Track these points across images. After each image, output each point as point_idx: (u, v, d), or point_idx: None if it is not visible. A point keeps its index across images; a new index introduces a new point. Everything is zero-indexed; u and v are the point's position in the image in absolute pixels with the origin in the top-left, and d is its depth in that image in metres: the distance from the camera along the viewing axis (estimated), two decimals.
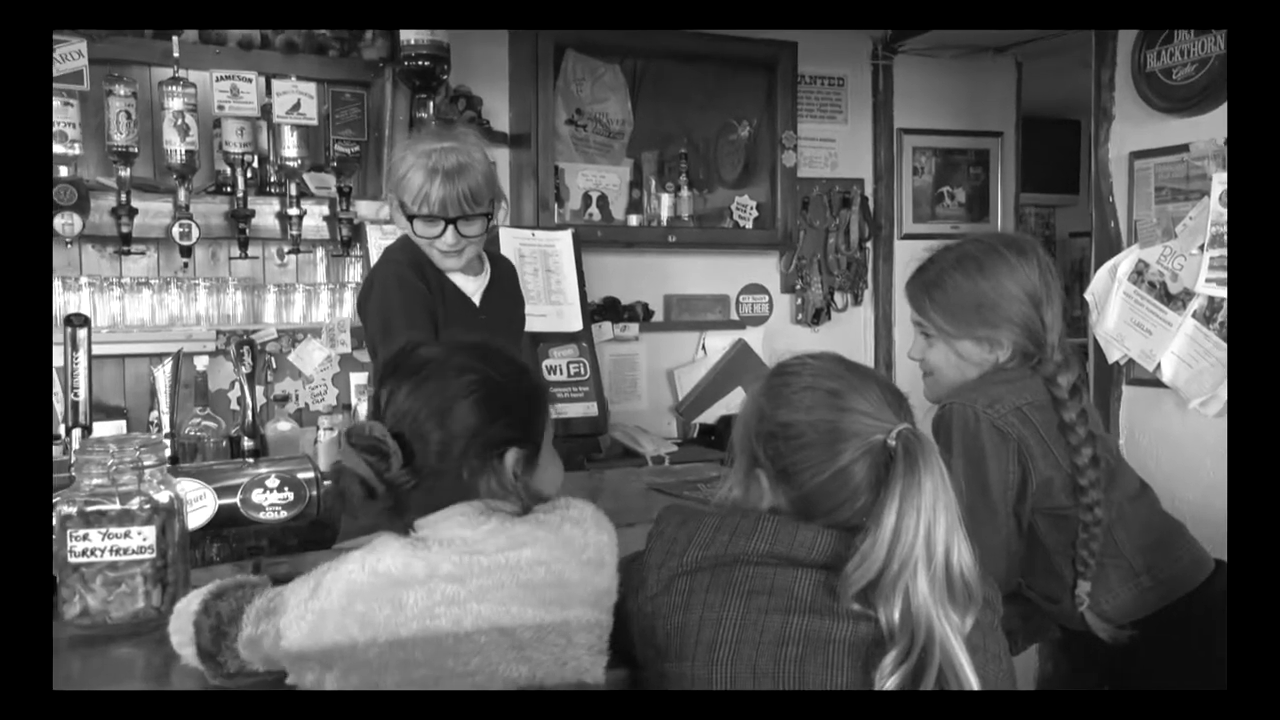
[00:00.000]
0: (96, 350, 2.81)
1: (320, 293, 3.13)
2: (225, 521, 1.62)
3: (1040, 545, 1.65)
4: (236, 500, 1.63)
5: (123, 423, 2.88)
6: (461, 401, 1.21)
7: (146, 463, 1.35)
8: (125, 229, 2.80)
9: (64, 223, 2.68)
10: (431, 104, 3.13)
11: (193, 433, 2.84)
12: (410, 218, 2.04)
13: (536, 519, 1.21)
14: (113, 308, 2.87)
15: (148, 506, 1.34)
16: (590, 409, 3.24)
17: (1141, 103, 2.99)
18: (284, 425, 2.90)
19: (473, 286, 2.19)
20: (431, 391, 1.21)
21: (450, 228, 2.04)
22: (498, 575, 1.15)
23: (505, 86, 3.54)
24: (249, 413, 2.23)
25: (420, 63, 3.04)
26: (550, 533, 1.20)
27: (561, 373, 3.22)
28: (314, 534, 1.83)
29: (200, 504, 1.60)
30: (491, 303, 2.22)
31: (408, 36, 3.00)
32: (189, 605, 1.23)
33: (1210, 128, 2.80)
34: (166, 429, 2.20)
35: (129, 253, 2.86)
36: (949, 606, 1.10)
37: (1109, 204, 3.12)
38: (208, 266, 3.08)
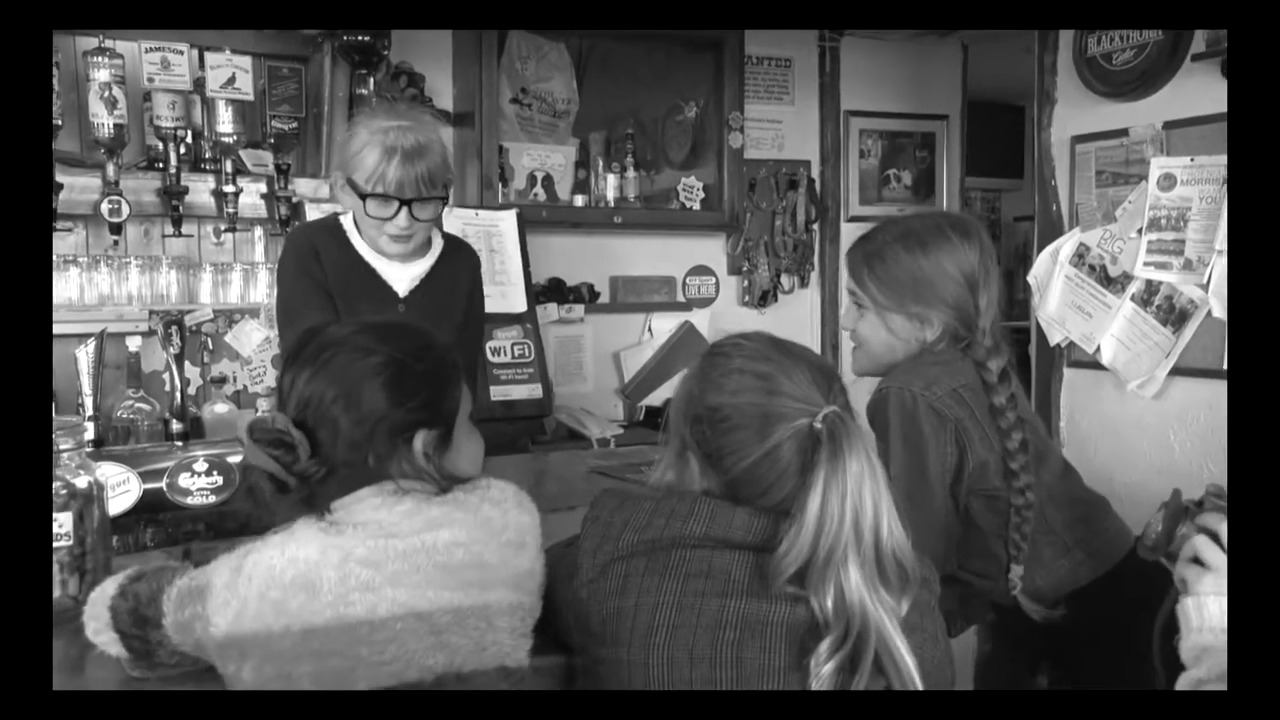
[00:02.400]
0: None
1: (258, 272, 3.05)
2: (151, 507, 1.57)
3: (975, 526, 1.66)
4: (162, 485, 1.58)
5: (50, 404, 2.78)
6: (366, 384, 1.17)
7: (63, 447, 1.29)
8: (52, 205, 2.70)
9: None
10: (372, 80, 3.06)
11: (125, 415, 2.76)
12: (363, 196, 1.96)
13: (455, 500, 1.18)
14: None
15: (64, 492, 1.28)
16: (534, 391, 3.20)
17: (1083, 87, 3.02)
18: (221, 407, 2.82)
19: (399, 273, 2.10)
20: (334, 375, 1.17)
21: (404, 210, 1.96)
22: (414, 559, 1.11)
23: (449, 64, 3.48)
24: (178, 394, 2.16)
25: (359, 38, 2.97)
26: (469, 514, 1.17)
27: (506, 354, 3.17)
28: (251, 518, 1.77)
29: (124, 489, 1.54)
30: (426, 292, 2.11)
31: None
32: (105, 591, 1.19)
33: (1149, 112, 2.83)
34: (90, 411, 2.12)
35: (55, 229, 2.76)
36: (882, 590, 1.09)
37: (1051, 188, 3.15)
38: (140, 245, 2.99)
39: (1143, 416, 2.86)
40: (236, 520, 1.90)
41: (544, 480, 2.87)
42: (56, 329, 2.76)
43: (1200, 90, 2.70)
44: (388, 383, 1.17)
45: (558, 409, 3.45)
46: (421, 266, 2.13)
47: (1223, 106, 2.63)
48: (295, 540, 1.12)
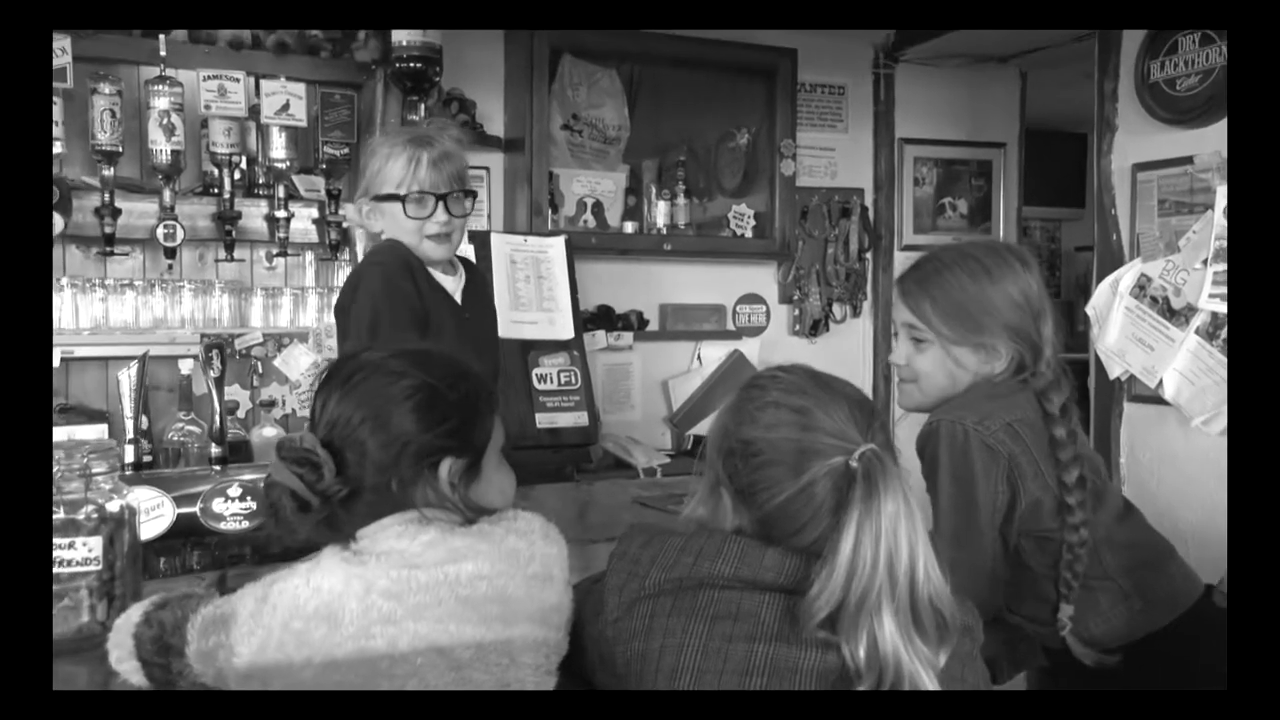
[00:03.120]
0: (79, 353, 2.79)
1: (308, 296, 3.08)
2: (185, 531, 1.57)
3: (1026, 568, 1.59)
4: (196, 509, 1.58)
5: (104, 426, 2.82)
6: (395, 407, 1.16)
7: (96, 470, 1.29)
8: (109, 229, 2.75)
9: None
10: (423, 106, 3.07)
11: (176, 437, 2.79)
12: (401, 199, 2.01)
13: (480, 531, 1.16)
14: (95, 309, 2.82)
15: (95, 516, 1.28)
16: (580, 418, 3.18)
17: (1145, 114, 2.94)
18: (270, 431, 2.85)
19: (453, 285, 2.17)
20: (364, 397, 1.17)
21: (441, 205, 2.02)
22: (436, 591, 1.09)
23: (500, 90, 3.50)
24: (218, 418, 2.17)
25: (412, 64, 2.99)
26: (493, 545, 1.14)
27: (552, 381, 3.16)
28: (280, 540, 1.77)
29: (158, 513, 1.54)
30: (471, 303, 2.19)
31: (399, 38, 2.95)
32: (129, 618, 1.18)
33: (1215, 140, 2.74)
34: (130, 434, 2.14)
35: (112, 253, 2.81)
36: (918, 639, 1.03)
37: (1111, 217, 3.07)
38: (195, 269, 3.03)
39: (1208, 453, 2.75)
40: (280, 545, 1.90)
41: (588, 510, 2.84)
42: (115, 351, 2.83)
43: None
44: (417, 407, 1.16)
45: (604, 437, 3.42)
46: (461, 278, 2.19)
47: None
48: (320, 569, 1.11)
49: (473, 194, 2.10)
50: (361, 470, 1.15)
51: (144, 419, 2.80)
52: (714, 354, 3.84)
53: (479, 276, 2.28)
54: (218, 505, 1.60)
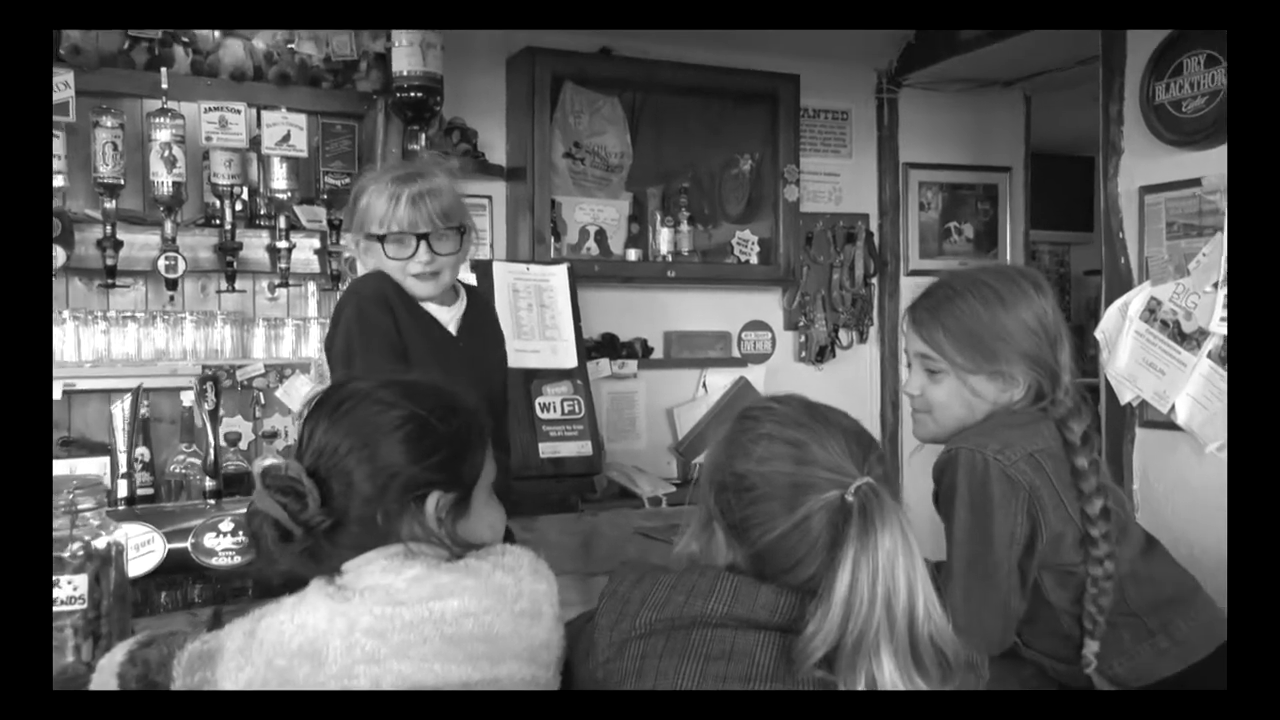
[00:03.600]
0: (81, 385, 2.78)
1: (310, 327, 3.06)
2: (176, 567, 1.54)
3: (1046, 604, 1.54)
4: (188, 544, 1.55)
5: (106, 460, 2.80)
6: (384, 437, 1.13)
7: (83, 506, 1.27)
8: (110, 261, 2.75)
9: None
10: (424, 136, 3.07)
11: (178, 470, 2.77)
12: (381, 240, 1.99)
13: (467, 566, 1.13)
14: (97, 341, 2.81)
15: (80, 553, 1.26)
16: (584, 448, 3.14)
17: (1151, 136, 2.91)
18: (271, 462, 2.82)
19: (447, 316, 2.12)
20: (352, 426, 1.14)
21: (423, 244, 1.99)
22: (421, 629, 1.06)
23: (502, 119, 3.50)
24: (211, 451, 2.15)
25: (412, 94, 2.99)
26: (480, 581, 1.11)
27: (555, 410, 3.13)
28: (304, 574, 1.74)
29: (148, 549, 1.52)
30: (469, 332, 2.14)
31: (400, 67, 2.96)
32: (113, 658, 1.16)
33: (1222, 161, 2.71)
34: (123, 467, 2.11)
35: (114, 285, 2.80)
36: (919, 679, 1.00)
37: (1119, 240, 3.04)
38: (197, 300, 3.03)
39: (1222, 479, 2.70)
40: (282, 578, 1.87)
41: (592, 541, 2.81)
42: (116, 384, 2.81)
43: None
44: (407, 438, 1.14)
45: (609, 466, 3.39)
46: (459, 307, 2.15)
47: None
48: (305, 605, 1.08)
49: (463, 230, 2.05)
50: (347, 501, 1.12)
51: (146, 451, 2.79)
52: (719, 381, 3.82)
53: (481, 304, 2.24)
54: (209, 540, 1.57)
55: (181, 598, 1.65)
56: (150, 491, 2.72)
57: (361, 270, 2.99)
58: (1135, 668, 1.52)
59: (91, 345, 2.80)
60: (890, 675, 0.98)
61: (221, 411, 2.85)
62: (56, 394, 2.68)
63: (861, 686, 0.98)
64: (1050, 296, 1.60)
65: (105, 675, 1.15)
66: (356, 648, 1.04)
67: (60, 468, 2.58)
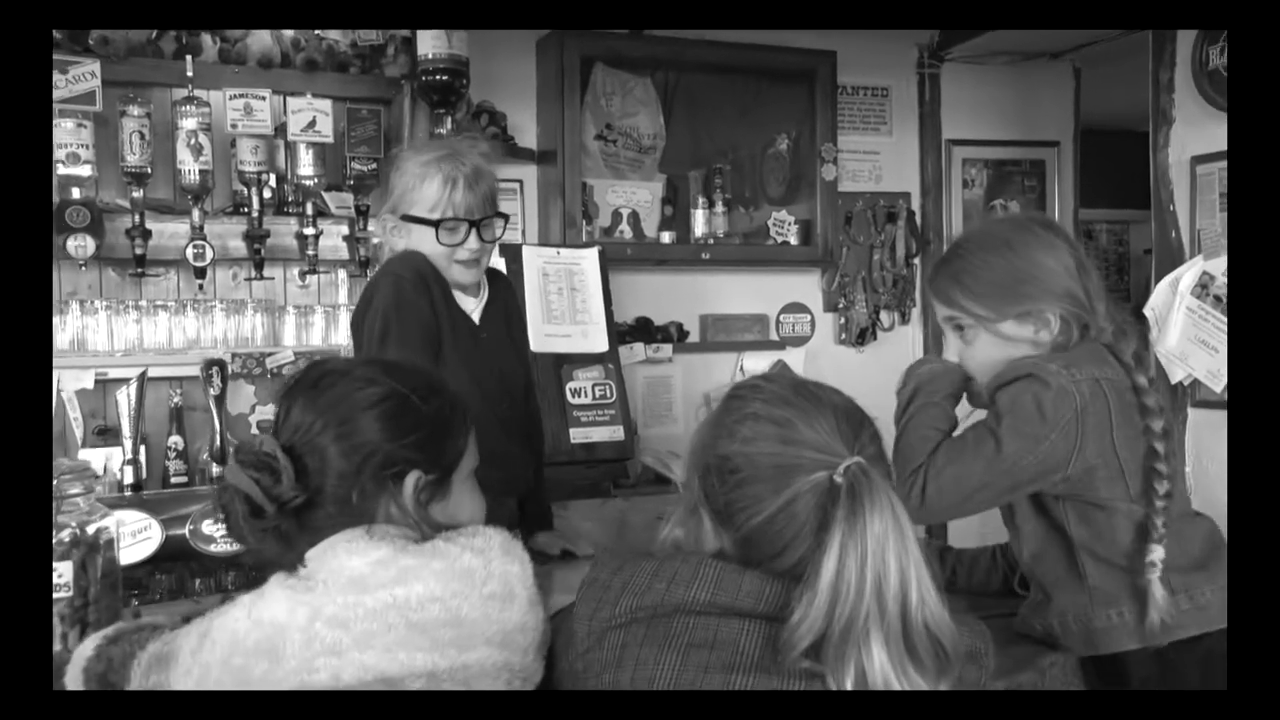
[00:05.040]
0: (113, 374, 2.80)
1: (340, 314, 3.06)
2: (173, 554, 1.53)
3: (1064, 537, 1.51)
4: (185, 531, 1.53)
5: (141, 447, 2.83)
6: (361, 414, 1.10)
7: (71, 492, 1.26)
8: (140, 250, 2.76)
9: (77, 245, 2.65)
10: (451, 119, 3.05)
11: (206, 456, 2.79)
12: (435, 224, 1.94)
13: (434, 549, 1.08)
14: (130, 330, 2.83)
15: (65, 540, 1.24)
16: (616, 433, 3.10)
17: (1204, 103, 2.79)
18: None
19: (472, 304, 2.09)
20: (330, 402, 1.11)
21: (474, 232, 1.96)
22: (385, 617, 1.02)
23: (532, 101, 3.46)
24: (217, 438, 2.15)
25: (438, 77, 2.97)
26: (447, 564, 1.07)
27: (586, 395, 3.09)
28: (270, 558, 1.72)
29: (145, 535, 1.51)
30: (491, 321, 2.11)
31: (425, 50, 2.93)
32: (83, 651, 1.14)
33: None
34: (128, 454, 2.11)
35: (144, 274, 2.82)
36: (913, 670, 0.93)
37: (1170, 213, 2.92)
38: (228, 288, 3.04)
39: None
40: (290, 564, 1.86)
41: (626, 525, 2.77)
42: (150, 372, 2.83)
43: None
44: (384, 415, 1.11)
45: (643, 451, 3.34)
46: (483, 296, 2.12)
47: None
48: (264, 600, 1.05)
49: (505, 217, 2.04)
50: (322, 478, 1.09)
51: (180, 440, 2.81)
52: (757, 365, 3.74)
53: (504, 292, 2.20)
54: (207, 527, 1.56)
55: (178, 585, 1.65)
56: (184, 480, 2.74)
57: (388, 252, 3.00)
58: (1150, 621, 1.46)
59: (124, 334, 2.82)
60: (881, 666, 0.92)
61: (254, 399, 2.86)
62: (89, 383, 2.70)
63: (850, 677, 0.92)
64: (1063, 233, 1.58)
65: (75, 669, 1.14)
66: (316, 640, 1.01)
67: (94, 456, 2.62)
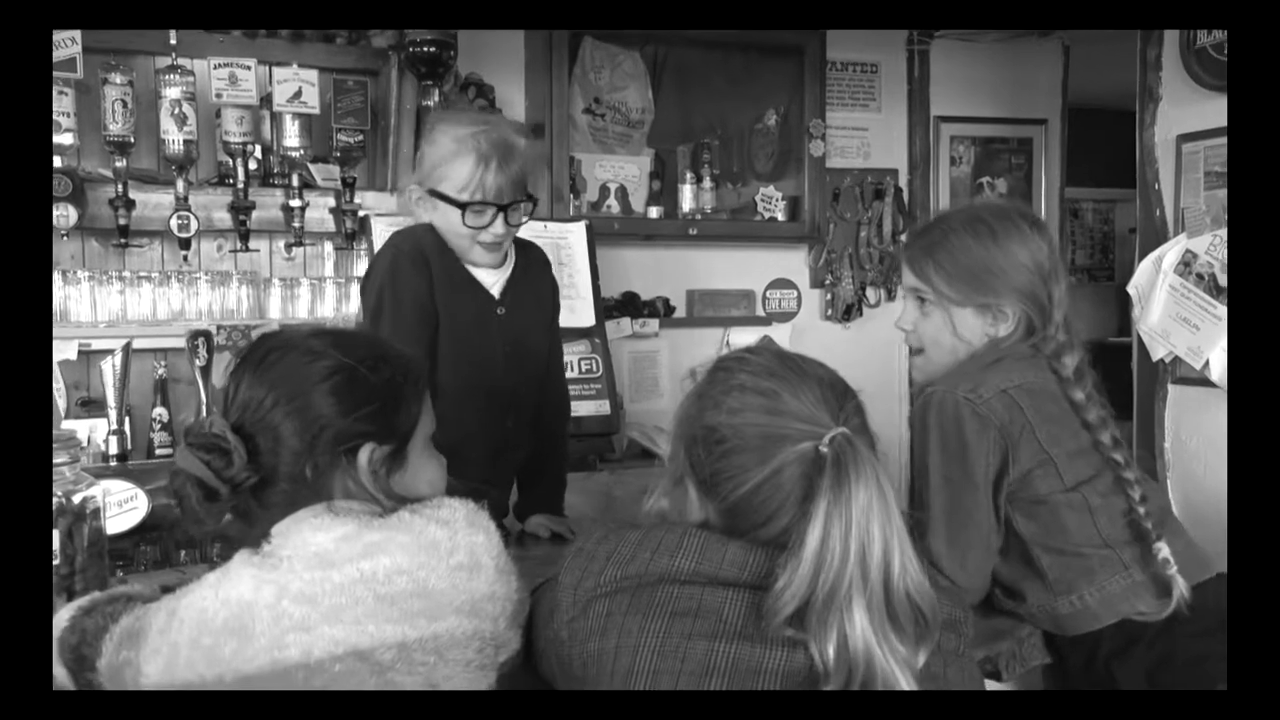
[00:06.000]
0: (97, 345, 2.79)
1: (326, 287, 3.05)
2: (159, 525, 1.53)
3: (1015, 535, 1.53)
4: (171, 501, 1.53)
5: (125, 419, 2.82)
6: (312, 388, 1.08)
7: (57, 461, 1.25)
8: (123, 221, 2.74)
9: (59, 214, 2.63)
10: (438, 92, 3.03)
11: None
12: (462, 206, 1.86)
13: (399, 522, 1.09)
14: (113, 301, 2.81)
15: (52, 509, 1.24)
16: (602, 407, 3.11)
17: (1190, 81, 2.80)
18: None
19: (493, 279, 2.00)
20: (278, 378, 1.09)
21: (501, 216, 1.88)
22: (352, 591, 1.02)
23: (520, 74, 3.43)
24: (203, 409, 2.14)
25: (425, 49, 2.95)
26: (413, 537, 1.07)
27: (573, 369, 3.09)
28: (233, 536, 1.72)
29: (131, 505, 1.50)
30: (515, 295, 2.02)
31: None
32: (58, 622, 1.13)
33: None
34: (113, 424, 2.10)
35: (127, 245, 2.80)
36: (894, 637, 0.95)
37: (1155, 192, 2.93)
38: (213, 260, 3.02)
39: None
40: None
41: (612, 499, 2.78)
42: (135, 345, 2.82)
43: None
44: (336, 388, 1.09)
45: (630, 426, 3.35)
46: (507, 269, 2.04)
47: None
48: (229, 578, 1.04)
49: (534, 200, 1.96)
50: (275, 457, 1.08)
51: (164, 411, 2.81)
52: (744, 340, 3.74)
53: (536, 265, 2.10)
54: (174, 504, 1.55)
55: (163, 555, 1.64)
56: (169, 451, 2.73)
57: (379, 227, 2.99)
58: (1105, 599, 1.49)
59: (107, 306, 2.80)
60: (863, 632, 0.94)
61: (201, 368, 2.85)
62: (72, 354, 2.69)
63: (833, 644, 0.94)
64: (1047, 234, 1.60)
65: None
66: (285, 617, 1.01)
67: (79, 426, 2.61)
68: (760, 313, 3.80)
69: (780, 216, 3.69)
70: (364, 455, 1.10)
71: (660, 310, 3.59)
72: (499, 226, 1.88)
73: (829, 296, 3.87)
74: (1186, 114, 2.83)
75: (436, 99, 3.01)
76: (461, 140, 1.87)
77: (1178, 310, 2.76)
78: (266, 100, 2.88)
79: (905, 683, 0.93)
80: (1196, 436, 2.80)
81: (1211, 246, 2.69)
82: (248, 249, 2.92)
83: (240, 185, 2.84)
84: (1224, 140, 2.69)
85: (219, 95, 2.78)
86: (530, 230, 3.16)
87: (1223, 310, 2.65)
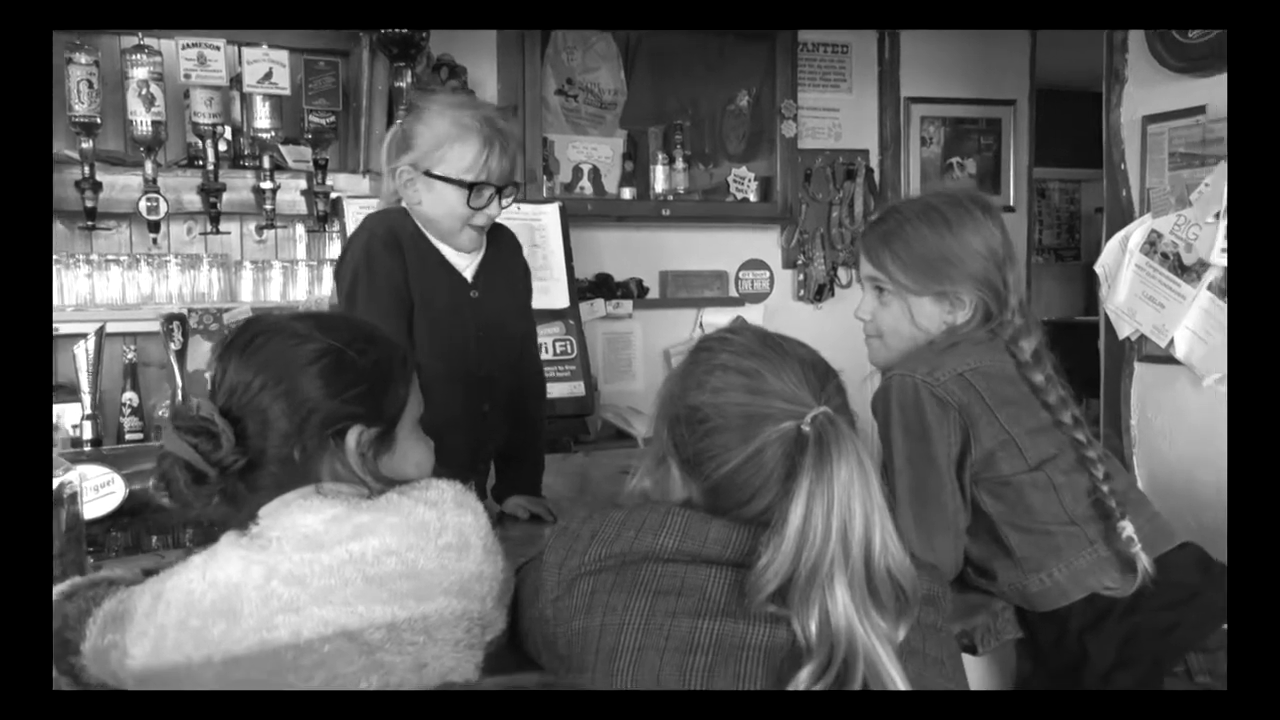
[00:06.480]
0: (65, 329, 2.75)
1: (298, 269, 3.03)
2: (135, 510, 1.52)
3: (982, 514, 1.56)
4: (149, 485, 1.52)
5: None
6: (300, 371, 1.09)
7: None
8: (90, 204, 2.71)
9: None
10: (410, 73, 3.01)
11: (165, 414, 2.76)
12: (469, 186, 1.86)
13: (387, 503, 1.10)
14: (81, 285, 2.78)
15: None
16: (577, 389, 3.12)
17: (1155, 63, 2.83)
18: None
19: (465, 261, 2.02)
20: (265, 361, 1.10)
21: (496, 198, 1.91)
22: (341, 572, 1.03)
23: (492, 55, 3.42)
24: (178, 393, 2.13)
25: (397, 30, 2.92)
26: (402, 518, 1.08)
27: (547, 351, 3.10)
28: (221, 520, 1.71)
29: (108, 490, 1.50)
30: (488, 278, 2.04)
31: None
32: None
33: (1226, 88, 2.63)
34: (88, 409, 2.08)
35: (94, 228, 2.77)
36: (875, 612, 0.97)
37: (1121, 172, 2.96)
38: (183, 243, 2.99)
39: (1222, 413, 2.66)
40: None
41: (587, 479, 2.79)
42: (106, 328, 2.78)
43: None
44: (324, 371, 1.10)
45: (604, 407, 3.37)
46: (480, 252, 2.04)
47: None
48: (217, 560, 1.05)
49: (518, 185, 2.00)
50: (263, 440, 1.09)
51: (134, 396, 2.78)
52: (717, 321, 3.76)
53: (506, 247, 2.12)
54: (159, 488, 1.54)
55: (135, 541, 1.63)
56: (140, 436, 2.72)
57: (350, 209, 2.97)
58: (1073, 574, 1.52)
59: (74, 289, 2.77)
60: (845, 608, 0.95)
61: (176, 351, 2.83)
62: None
63: (814, 621, 0.95)
64: (999, 220, 1.63)
65: None
66: (274, 598, 1.01)
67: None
68: (733, 293, 3.82)
69: (752, 197, 3.71)
70: (352, 437, 1.11)
71: (634, 291, 3.61)
72: (493, 209, 1.92)
73: (801, 277, 3.90)
74: (1152, 95, 2.86)
75: (409, 80, 2.99)
76: (465, 123, 1.87)
77: (1143, 289, 2.81)
78: (236, 81, 2.85)
79: (885, 657, 0.95)
80: (1162, 415, 2.86)
81: (1176, 226, 2.73)
82: (218, 231, 2.90)
83: (210, 167, 2.81)
84: (1188, 121, 2.73)
85: (187, 76, 2.75)
86: (504, 212, 3.17)
87: (1187, 289, 2.69)
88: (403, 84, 3.03)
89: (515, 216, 3.17)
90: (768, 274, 3.86)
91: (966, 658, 1.38)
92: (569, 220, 3.27)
